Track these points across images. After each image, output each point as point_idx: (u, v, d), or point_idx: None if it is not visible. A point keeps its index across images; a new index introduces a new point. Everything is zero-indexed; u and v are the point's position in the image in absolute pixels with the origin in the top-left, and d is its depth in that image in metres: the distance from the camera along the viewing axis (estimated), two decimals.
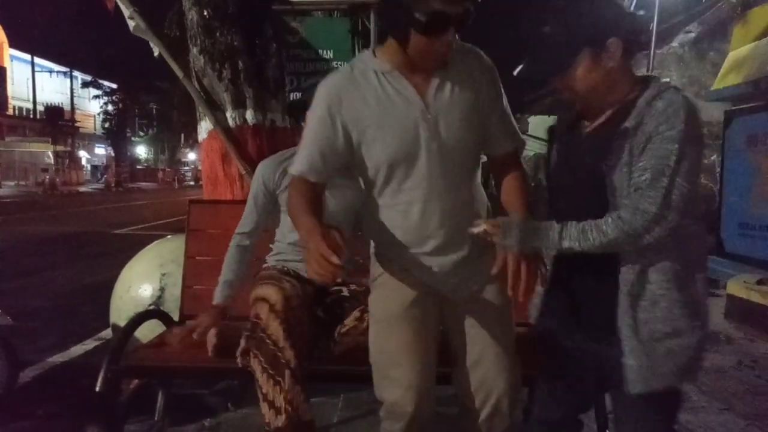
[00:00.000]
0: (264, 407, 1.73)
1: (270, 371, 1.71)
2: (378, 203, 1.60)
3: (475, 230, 1.44)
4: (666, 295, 1.36)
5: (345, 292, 2.06)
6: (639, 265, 1.37)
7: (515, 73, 1.48)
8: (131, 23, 3.39)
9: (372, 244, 1.73)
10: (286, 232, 2.17)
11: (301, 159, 1.57)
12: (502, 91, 1.64)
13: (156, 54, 3.47)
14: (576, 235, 1.36)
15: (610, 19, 1.38)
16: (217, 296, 2.11)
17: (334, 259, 1.28)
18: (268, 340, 1.73)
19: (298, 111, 2.20)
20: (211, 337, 2.00)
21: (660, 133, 1.29)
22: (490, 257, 1.47)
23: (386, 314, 1.62)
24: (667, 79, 11.58)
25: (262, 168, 2.20)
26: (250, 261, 2.19)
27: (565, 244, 1.37)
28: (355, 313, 1.92)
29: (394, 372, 1.56)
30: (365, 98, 1.51)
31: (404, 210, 1.55)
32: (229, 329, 2.04)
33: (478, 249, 1.60)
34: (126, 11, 3.40)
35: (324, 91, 1.54)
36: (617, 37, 1.36)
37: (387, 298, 1.64)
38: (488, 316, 1.64)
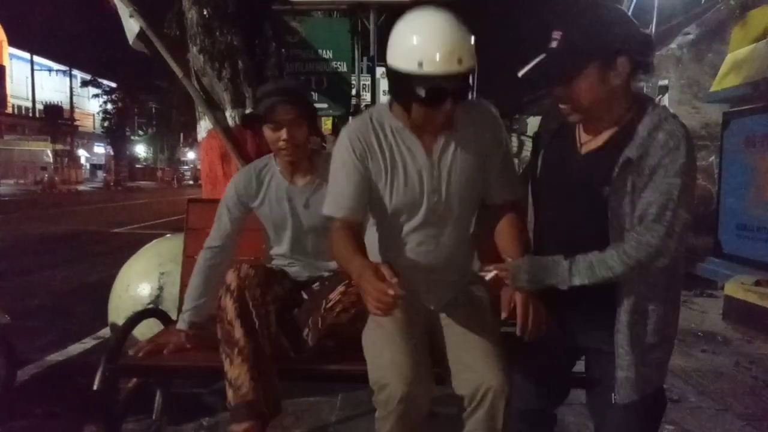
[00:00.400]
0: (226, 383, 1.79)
1: (224, 348, 1.79)
2: (378, 232, 1.80)
3: (487, 276, 1.52)
4: (656, 310, 1.44)
5: (325, 275, 2.10)
6: (639, 286, 1.43)
7: (519, 74, 1.48)
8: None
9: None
10: (270, 238, 2.18)
11: (339, 202, 1.71)
12: (507, 142, 1.79)
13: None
14: (584, 272, 1.40)
15: (623, 38, 1.38)
16: (182, 322, 2.06)
17: (390, 291, 1.39)
18: (225, 319, 1.80)
19: (252, 122, 2.12)
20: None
21: (663, 166, 1.33)
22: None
23: (389, 325, 1.69)
24: (663, 101, 11.61)
25: (236, 181, 2.13)
26: (218, 281, 2.01)
27: (576, 281, 1.42)
28: (340, 288, 1.90)
29: (384, 356, 1.61)
30: (381, 149, 1.69)
31: (399, 245, 1.75)
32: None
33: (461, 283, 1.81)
34: (126, 10, 3.41)
35: (349, 137, 1.71)
36: (627, 57, 1.38)
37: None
38: (470, 321, 1.73)
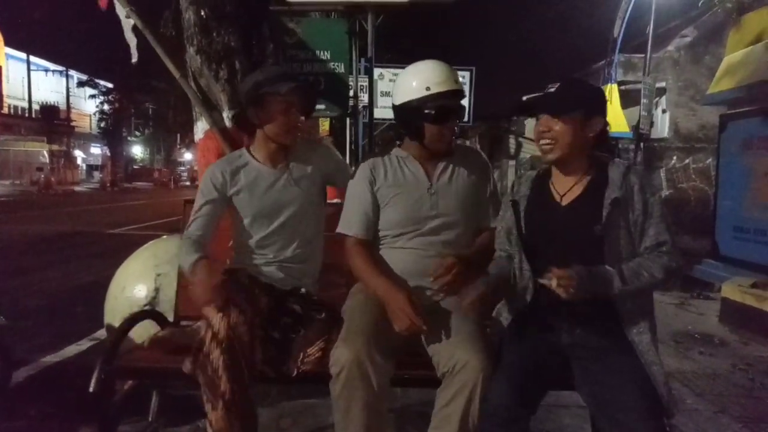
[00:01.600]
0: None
1: (207, 393, 1.74)
2: (383, 244, 2.08)
3: (547, 282, 1.61)
4: (647, 334, 1.70)
5: (299, 310, 2.05)
6: (637, 308, 1.71)
7: (524, 98, 1.98)
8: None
9: None
10: (244, 234, 2.15)
11: (352, 221, 2.06)
12: (494, 179, 2.22)
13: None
14: (631, 279, 1.65)
15: (599, 107, 1.80)
16: (191, 259, 1.93)
17: (421, 323, 1.75)
18: (208, 366, 1.73)
19: (244, 122, 2.20)
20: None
21: (649, 201, 1.71)
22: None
23: (360, 307, 1.93)
24: (661, 104, 11.64)
25: (211, 172, 2.13)
26: (207, 248, 2.05)
27: (629, 287, 1.64)
28: (320, 343, 1.94)
29: (347, 337, 1.77)
30: (387, 174, 2.06)
31: (400, 253, 2.03)
32: (181, 333, 2.11)
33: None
34: (123, 10, 3.40)
35: (364, 168, 2.10)
36: (601, 120, 1.77)
37: (361, 299, 1.99)
38: (454, 313, 1.90)
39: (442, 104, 1.94)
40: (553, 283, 1.59)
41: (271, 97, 2.04)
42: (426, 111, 1.94)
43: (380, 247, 2.09)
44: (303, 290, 2.13)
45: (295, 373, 1.87)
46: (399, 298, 1.80)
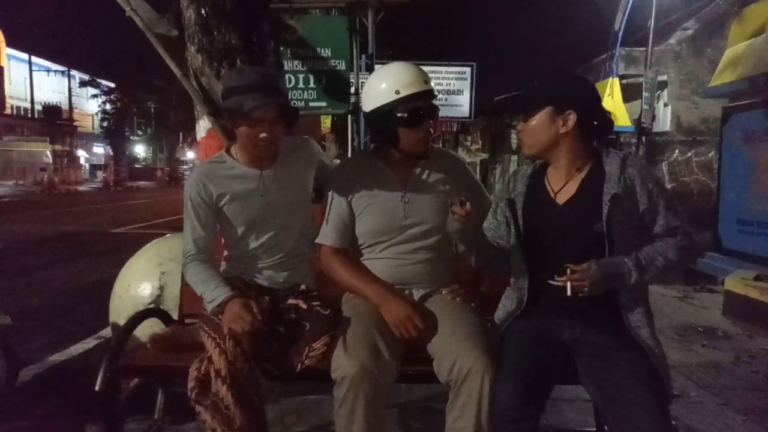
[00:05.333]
0: None
1: (220, 425, 1.69)
2: (363, 253, 2.07)
3: (561, 283, 1.62)
4: (647, 327, 1.71)
5: (302, 304, 2.01)
6: (634, 296, 1.72)
7: (495, 99, 1.93)
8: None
9: None
10: (237, 242, 2.09)
11: (328, 231, 2.04)
12: (470, 169, 2.21)
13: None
14: (648, 267, 1.67)
15: (577, 99, 1.75)
16: (221, 294, 1.88)
17: (420, 324, 1.77)
18: (220, 404, 1.69)
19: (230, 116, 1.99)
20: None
21: (653, 192, 1.70)
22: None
23: (356, 312, 1.91)
24: (663, 97, 11.60)
25: (193, 181, 2.02)
26: (215, 263, 2.07)
27: (647, 277, 1.68)
28: (325, 339, 1.86)
29: (350, 343, 1.75)
30: (363, 183, 2.02)
31: (377, 263, 2.03)
32: (182, 331, 2.11)
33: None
34: (124, 8, 3.40)
35: (338, 174, 2.10)
36: (576, 114, 1.71)
37: (356, 305, 1.97)
38: (449, 310, 1.90)
39: (414, 106, 1.90)
40: (568, 287, 1.60)
41: (237, 112, 1.88)
42: (398, 115, 1.89)
43: (359, 255, 2.07)
44: (303, 286, 2.11)
45: (299, 368, 1.85)
46: (395, 305, 1.81)
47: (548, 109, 1.73)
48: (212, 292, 1.89)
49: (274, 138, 1.94)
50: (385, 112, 1.92)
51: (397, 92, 1.89)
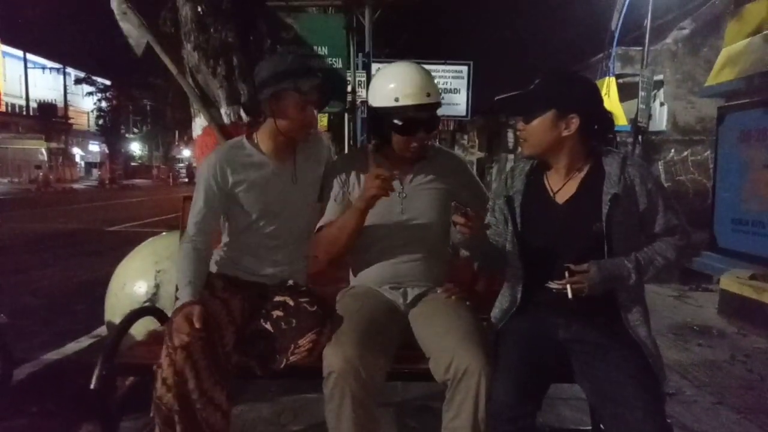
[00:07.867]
0: None
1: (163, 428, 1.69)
2: (359, 250, 2.05)
3: (561, 287, 1.64)
4: (644, 326, 1.71)
5: (290, 301, 1.97)
6: (631, 295, 1.71)
7: (495, 99, 1.81)
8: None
9: (350, 271, 2.17)
10: (242, 231, 2.08)
11: (324, 221, 2.03)
12: (471, 171, 2.22)
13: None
14: (647, 267, 1.69)
15: (581, 102, 1.71)
16: (185, 295, 1.84)
17: (386, 173, 1.77)
18: (162, 407, 1.67)
19: (253, 109, 2.19)
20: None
21: (651, 190, 1.70)
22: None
23: (348, 309, 1.89)
24: (659, 96, 11.62)
25: (212, 166, 2.01)
26: (208, 261, 2.03)
27: (645, 277, 1.69)
28: (311, 335, 1.82)
29: (338, 338, 1.74)
30: (359, 176, 2.03)
31: (373, 260, 2.04)
32: None
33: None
34: (120, 6, 3.39)
35: (337, 168, 2.11)
36: (579, 118, 1.68)
37: (349, 301, 1.96)
38: (443, 309, 1.90)
39: (410, 117, 1.90)
40: (569, 290, 1.60)
41: (289, 93, 1.93)
42: (393, 121, 1.90)
43: (354, 252, 2.06)
44: (290, 282, 2.08)
45: (284, 364, 1.82)
46: (365, 185, 1.85)
47: (551, 113, 1.70)
48: (182, 290, 1.85)
49: (316, 119, 2.06)
50: (382, 115, 1.94)
51: (397, 100, 1.90)
